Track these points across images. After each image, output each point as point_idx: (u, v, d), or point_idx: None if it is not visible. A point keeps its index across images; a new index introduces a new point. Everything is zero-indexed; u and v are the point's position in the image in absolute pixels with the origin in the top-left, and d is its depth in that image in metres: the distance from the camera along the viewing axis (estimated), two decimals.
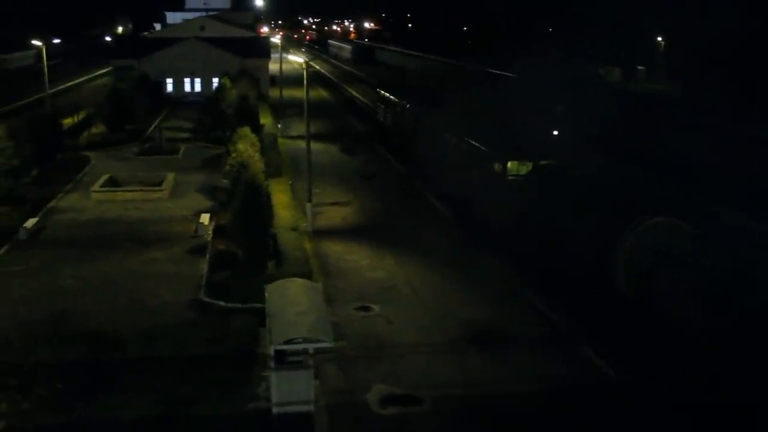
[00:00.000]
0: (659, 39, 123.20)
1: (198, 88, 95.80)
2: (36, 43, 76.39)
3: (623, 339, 26.35)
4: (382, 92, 68.33)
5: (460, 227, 40.92)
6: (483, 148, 41.17)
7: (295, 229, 39.49)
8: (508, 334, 27.73)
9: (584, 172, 37.21)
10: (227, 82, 76.51)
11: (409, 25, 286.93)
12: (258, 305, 26.51)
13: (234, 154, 42.92)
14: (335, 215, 43.38)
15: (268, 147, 53.26)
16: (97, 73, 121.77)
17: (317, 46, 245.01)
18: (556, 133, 59.48)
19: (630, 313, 27.62)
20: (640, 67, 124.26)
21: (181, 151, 58.76)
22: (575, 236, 30.75)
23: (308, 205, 41.10)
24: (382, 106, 66.49)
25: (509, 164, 38.11)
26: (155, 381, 23.50)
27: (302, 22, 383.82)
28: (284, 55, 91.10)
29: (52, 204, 43.77)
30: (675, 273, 26.55)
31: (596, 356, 25.77)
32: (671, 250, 27.48)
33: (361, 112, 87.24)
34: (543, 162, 37.62)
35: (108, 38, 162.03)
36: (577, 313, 28.85)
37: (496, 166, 38.91)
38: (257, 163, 40.75)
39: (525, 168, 37.81)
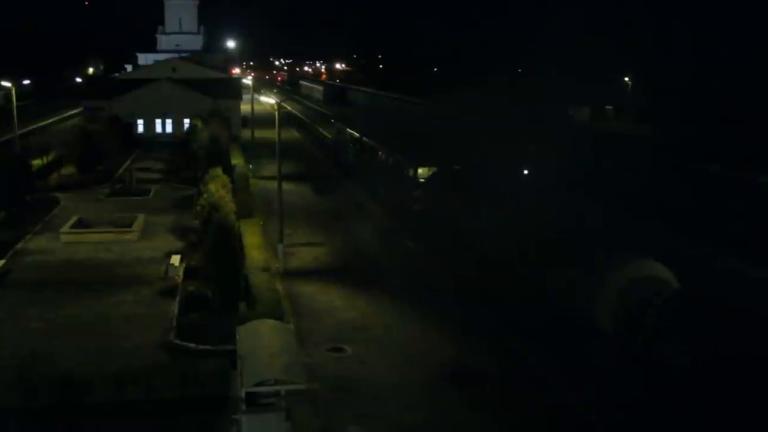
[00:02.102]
0: (626, 79, 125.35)
1: (169, 129, 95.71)
2: (5, 84, 76.10)
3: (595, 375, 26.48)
4: (338, 124, 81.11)
5: (434, 266, 40.96)
6: (401, 159, 54.25)
7: (266, 269, 39.26)
8: (482, 373, 27.68)
9: (465, 174, 48.79)
10: (198, 123, 76.50)
11: (380, 66, 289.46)
12: (229, 347, 26.28)
13: (205, 195, 42.78)
14: (307, 256, 43.29)
15: (239, 188, 53.22)
16: (67, 114, 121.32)
17: (289, 87, 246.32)
18: (526, 172, 60.19)
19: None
20: (608, 107, 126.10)
21: (151, 192, 58.53)
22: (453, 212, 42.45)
23: (280, 245, 41.00)
24: (340, 136, 78.93)
25: (419, 170, 50.83)
26: (125, 425, 23.18)
27: (274, 63, 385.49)
28: (256, 96, 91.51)
29: (20, 246, 43.25)
30: None
31: (569, 393, 25.81)
32: None
33: (329, 149, 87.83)
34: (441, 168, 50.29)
35: (79, 79, 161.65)
36: (552, 352, 28.91)
37: (411, 172, 51.34)
38: (228, 204, 40.66)
39: (429, 172, 50.25)
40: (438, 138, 67.95)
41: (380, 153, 60.74)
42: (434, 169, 50.32)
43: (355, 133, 71.11)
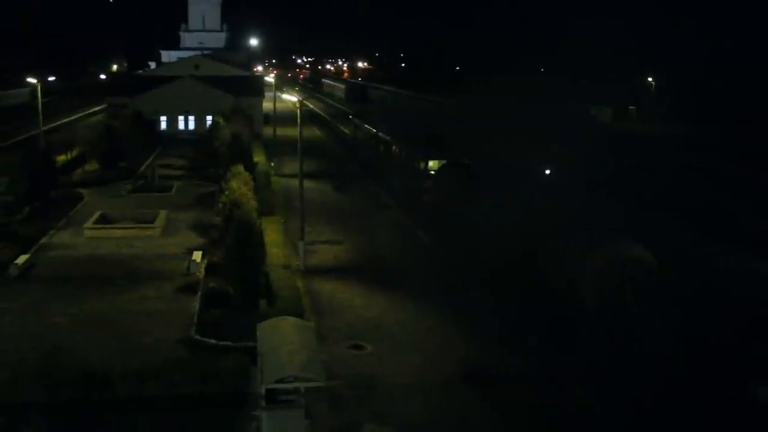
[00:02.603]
0: (649, 79, 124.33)
1: (192, 125, 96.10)
2: (31, 80, 76.74)
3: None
4: (355, 120, 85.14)
5: (452, 265, 40.92)
6: (413, 153, 57.43)
7: (287, 267, 39.38)
8: (501, 372, 27.65)
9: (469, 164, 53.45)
10: (221, 120, 76.80)
11: (402, 64, 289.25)
12: (250, 344, 26.42)
13: (227, 192, 42.98)
14: (327, 254, 43.35)
15: (261, 185, 53.39)
16: (91, 111, 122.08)
17: (311, 85, 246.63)
18: (548, 171, 60.14)
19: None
20: (631, 107, 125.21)
21: (174, 189, 58.85)
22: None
23: (300, 243, 41.09)
24: (357, 132, 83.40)
25: (430, 163, 54.14)
26: (145, 421, 23.33)
27: (296, 61, 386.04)
28: (278, 93, 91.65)
29: (44, 241, 43.65)
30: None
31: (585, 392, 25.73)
32: None
33: (349, 145, 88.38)
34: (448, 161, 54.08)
35: (103, 76, 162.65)
36: (569, 352, 28.83)
37: (422, 164, 54.58)
38: (250, 201, 40.79)
39: (438, 164, 53.75)
40: (449, 133, 70.66)
41: (394, 147, 63.77)
42: (443, 161, 54.08)
43: (371, 128, 73.87)
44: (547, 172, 60.40)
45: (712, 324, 26.24)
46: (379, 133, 70.07)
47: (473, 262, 39.74)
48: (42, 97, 70.35)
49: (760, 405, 24.01)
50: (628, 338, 27.25)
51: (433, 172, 53.64)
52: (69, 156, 69.70)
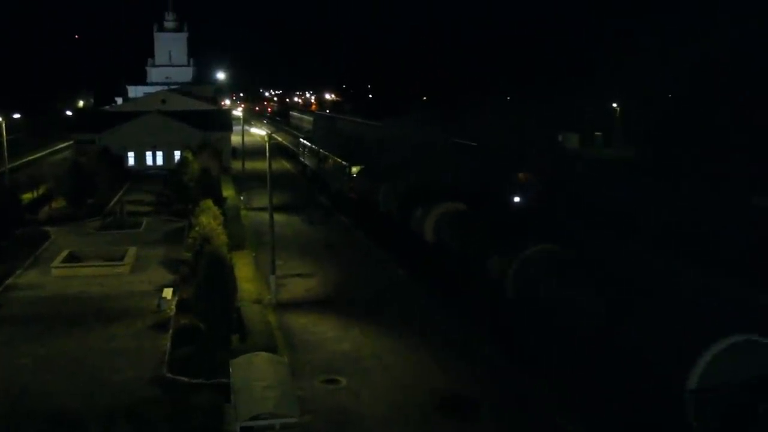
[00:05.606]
0: (614, 105, 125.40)
1: (160, 161, 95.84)
2: None
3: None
4: (302, 141, 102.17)
5: (424, 293, 40.96)
6: (341, 162, 72.61)
7: (259, 301, 39.23)
8: (476, 402, 27.60)
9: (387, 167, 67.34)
10: (189, 155, 76.63)
11: (370, 96, 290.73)
12: (223, 380, 26.18)
13: (197, 227, 42.76)
14: (299, 287, 43.23)
15: (231, 219, 53.22)
16: (57, 147, 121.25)
17: (279, 118, 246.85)
18: (517, 199, 60.83)
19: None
20: (597, 133, 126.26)
21: (143, 225, 58.41)
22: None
23: (272, 277, 40.92)
24: (304, 150, 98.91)
25: (353, 168, 68.09)
26: None
27: (263, 94, 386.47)
28: (246, 127, 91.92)
29: (10, 281, 43.03)
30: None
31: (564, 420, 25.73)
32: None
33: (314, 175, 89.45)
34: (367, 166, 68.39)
35: (69, 112, 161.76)
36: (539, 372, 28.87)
37: (347, 170, 68.81)
38: (220, 236, 40.64)
39: (358, 169, 67.48)
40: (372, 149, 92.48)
41: (330, 160, 79.56)
42: (361, 166, 68.10)
43: (315, 147, 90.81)
44: (517, 199, 61.11)
45: None
46: (321, 150, 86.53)
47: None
48: (6, 134, 69.77)
49: None
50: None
51: (355, 175, 66.87)
52: (35, 194, 69.05)
